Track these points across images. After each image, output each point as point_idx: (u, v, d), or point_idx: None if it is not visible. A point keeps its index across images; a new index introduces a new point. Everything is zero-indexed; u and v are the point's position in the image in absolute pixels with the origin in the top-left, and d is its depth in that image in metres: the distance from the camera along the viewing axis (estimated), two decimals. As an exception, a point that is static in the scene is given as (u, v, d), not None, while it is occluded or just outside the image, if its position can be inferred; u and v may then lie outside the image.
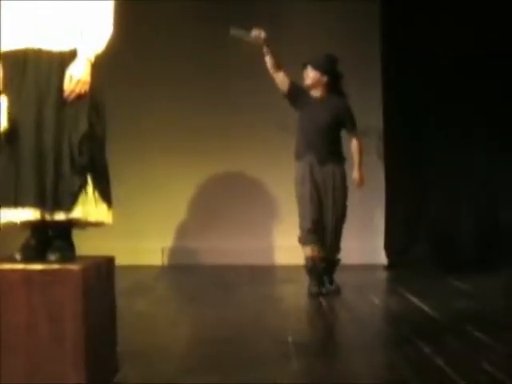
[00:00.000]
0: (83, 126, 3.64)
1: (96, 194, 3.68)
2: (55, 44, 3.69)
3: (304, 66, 6.16)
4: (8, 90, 3.71)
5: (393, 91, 7.65)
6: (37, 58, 3.68)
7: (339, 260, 6.18)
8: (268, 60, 6.06)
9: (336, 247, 6.13)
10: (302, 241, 6.04)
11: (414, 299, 5.76)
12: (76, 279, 3.38)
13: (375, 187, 7.64)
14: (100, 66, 3.77)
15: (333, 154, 6.12)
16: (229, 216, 7.94)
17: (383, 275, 7.30)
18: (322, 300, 5.85)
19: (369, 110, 7.58)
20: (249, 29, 5.95)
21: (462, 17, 7.49)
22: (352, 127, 6.20)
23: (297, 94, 6.12)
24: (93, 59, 3.68)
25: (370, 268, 7.49)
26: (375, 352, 4.32)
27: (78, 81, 3.63)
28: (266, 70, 6.08)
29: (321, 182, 6.09)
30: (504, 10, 7.37)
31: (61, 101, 3.64)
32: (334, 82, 6.18)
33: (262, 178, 8.05)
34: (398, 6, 7.61)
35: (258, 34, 5.91)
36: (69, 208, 3.59)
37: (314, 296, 5.93)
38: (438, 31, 7.52)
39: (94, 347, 3.44)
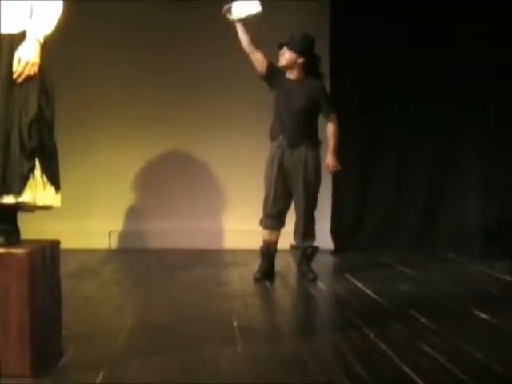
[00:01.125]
0: (32, 110, 3.61)
1: (44, 177, 3.66)
2: (5, 27, 3.65)
3: (280, 46, 6.01)
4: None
5: (339, 80, 7.67)
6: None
7: (316, 248, 6.17)
8: (244, 38, 5.90)
9: (309, 234, 6.09)
10: (262, 224, 6.05)
11: (359, 284, 5.82)
12: (21, 263, 3.36)
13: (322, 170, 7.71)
14: (49, 47, 3.74)
15: (306, 137, 6.01)
16: (177, 198, 7.90)
17: (329, 259, 7.35)
18: (268, 284, 5.88)
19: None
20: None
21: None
22: (328, 111, 6.08)
23: (273, 74, 6.00)
24: (42, 41, 3.64)
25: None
26: (320, 337, 4.37)
27: (27, 62, 3.58)
28: (239, 48, 5.91)
29: (291, 166, 5.99)
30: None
31: (10, 84, 3.61)
32: (310, 64, 6.03)
33: (210, 159, 8.00)
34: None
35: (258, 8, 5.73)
36: (18, 191, 3.57)
37: (256, 281, 5.94)
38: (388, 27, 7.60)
39: (39, 331, 3.43)
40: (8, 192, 3.56)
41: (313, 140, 6.07)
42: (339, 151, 6.17)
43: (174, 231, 7.79)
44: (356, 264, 6.90)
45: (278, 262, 6.18)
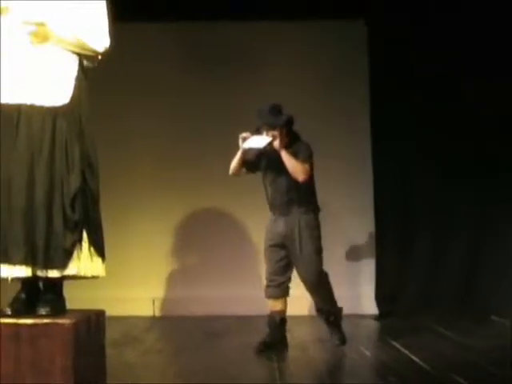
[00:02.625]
0: (75, 182, 3.67)
1: (92, 249, 3.70)
2: (47, 100, 3.74)
3: (257, 131, 5.92)
4: (1, 144, 3.75)
5: (381, 139, 7.71)
6: (29, 113, 3.73)
7: (339, 309, 6.05)
8: (236, 163, 5.94)
9: (326, 299, 5.98)
10: (265, 294, 5.97)
11: (404, 350, 5.76)
12: (66, 333, 3.40)
13: (365, 237, 7.69)
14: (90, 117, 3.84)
15: (297, 202, 5.88)
16: (219, 264, 7.94)
17: (373, 325, 7.29)
18: (312, 349, 5.84)
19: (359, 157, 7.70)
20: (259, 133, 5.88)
21: (452, 53, 7.57)
22: (302, 158, 5.86)
23: (254, 163, 6.00)
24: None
25: (360, 318, 7.49)
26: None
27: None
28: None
29: (288, 234, 5.88)
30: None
31: (53, 157, 3.68)
32: (289, 128, 5.95)
33: (250, 223, 8.04)
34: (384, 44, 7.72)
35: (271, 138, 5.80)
36: (62, 265, 3.61)
37: (256, 352, 5.72)
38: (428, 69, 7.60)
39: (83, 401, 3.45)
40: (52, 266, 3.61)
41: (305, 204, 5.94)
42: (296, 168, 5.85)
43: (217, 298, 7.80)
44: (400, 329, 6.82)
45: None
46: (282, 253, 5.92)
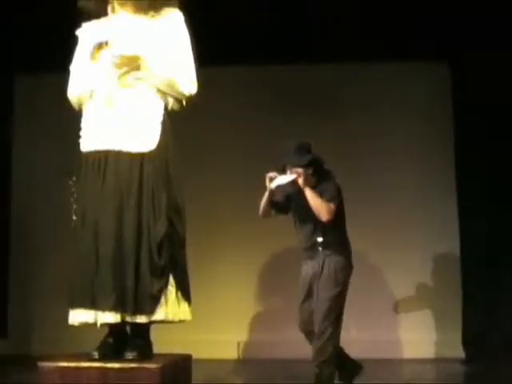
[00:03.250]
0: (162, 228, 3.73)
1: (178, 293, 3.74)
2: (134, 146, 3.82)
3: (283, 170, 5.76)
4: (88, 189, 3.83)
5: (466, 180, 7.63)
6: (117, 159, 3.81)
7: (323, 366, 5.52)
8: (264, 205, 5.77)
9: (318, 349, 5.51)
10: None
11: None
12: (153, 377, 3.43)
13: (451, 280, 7.58)
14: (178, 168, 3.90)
15: (323, 244, 5.67)
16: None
17: (460, 369, 7.15)
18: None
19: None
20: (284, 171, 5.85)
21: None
22: (327, 197, 5.64)
23: (283, 204, 5.88)
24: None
25: (445, 362, 7.36)
26: None
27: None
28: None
29: (312, 278, 5.65)
30: None
31: (141, 203, 3.75)
32: (319, 168, 5.79)
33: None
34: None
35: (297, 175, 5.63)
36: (150, 311, 3.65)
37: None
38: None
39: None
40: (141, 312, 3.65)
41: (334, 247, 5.69)
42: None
43: (302, 341, 7.74)
44: (488, 373, 6.68)
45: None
46: (306, 300, 5.65)
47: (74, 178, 3.96)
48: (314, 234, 5.76)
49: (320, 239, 5.72)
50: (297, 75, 8.05)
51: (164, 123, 3.94)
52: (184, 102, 4.09)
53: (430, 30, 7.50)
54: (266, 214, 5.87)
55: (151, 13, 4.06)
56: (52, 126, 8.07)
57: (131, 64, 3.83)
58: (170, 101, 4.00)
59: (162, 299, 3.70)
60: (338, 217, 5.77)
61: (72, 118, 4.32)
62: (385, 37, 7.59)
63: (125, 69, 3.84)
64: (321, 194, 5.72)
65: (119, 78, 3.88)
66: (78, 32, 4.25)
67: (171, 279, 3.75)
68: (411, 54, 7.74)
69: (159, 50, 3.94)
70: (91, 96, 3.99)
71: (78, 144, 4.03)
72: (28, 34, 7.85)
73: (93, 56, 3.89)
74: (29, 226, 8.50)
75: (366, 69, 8.00)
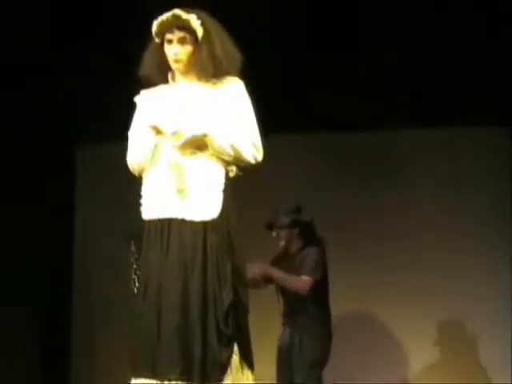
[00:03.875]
0: (228, 298, 3.71)
1: (242, 361, 3.71)
2: (197, 214, 3.81)
3: (269, 228, 5.83)
4: (151, 257, 3.83)
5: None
6: (180, 228, 3.81)
7: None
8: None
9: None
10: None
11: None
12: None
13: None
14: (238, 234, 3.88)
15: (301, 312, 5.66)
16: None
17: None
18: None
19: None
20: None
21: None
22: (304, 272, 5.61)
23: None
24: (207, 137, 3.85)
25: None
26: None
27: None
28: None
29: (289, 345, 5.68)
30: None
31: (205, 272, 3.73)
32: (308, 233, 5.80)
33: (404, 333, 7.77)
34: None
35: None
36: (218, 380, 3.62)
37: None
38: None
39: None
40: (208, 380, 3.62)
41: (311, 315, 5.71)
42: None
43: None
44: None
45: None
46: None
47: (136, 247, 3.96)
48: (293, 303, 5.70)
49: (298, 307, 5.68)
50: (352, 143, 7.97)
51: (226, 191, 3.94)
52: (247, 169, 4.06)
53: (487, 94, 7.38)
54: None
55: (212, 80, 4.06)
56: (113, 193, 8.14)
57: (195, 144, 3.85)
58: (232, 168, 3.99)
59: (229, 368, 3.66)
60: (319, 289, 5.70)
61: (133, 184, 4.32)
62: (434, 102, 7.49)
63: (187, 147, 3.85)
64: (300, 262, 5.67)
65: (180, 148, 3.89)
66: (137, 99, 4.26)
67: (236, 347, 3.71)
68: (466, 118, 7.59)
69: (222, 118, 3.94)
70: (151, 164, 3.99)
71: (140, 211, 4.03)
72: (85, 102, 7.98)
73: (151, 132, 3.92)
74: (91, 291, 8.55)
75: (418, 134, 7.91)
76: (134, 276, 3.92)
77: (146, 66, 4.15)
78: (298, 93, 7.60)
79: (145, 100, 4.21)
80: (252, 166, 4.03)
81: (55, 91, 7.76)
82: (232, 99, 4.03)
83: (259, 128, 4.10)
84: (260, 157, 4.03)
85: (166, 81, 4.21)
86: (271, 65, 7.20)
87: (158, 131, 3.89)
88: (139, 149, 4.06)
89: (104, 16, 7.26)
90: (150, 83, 4.23)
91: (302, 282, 5.64)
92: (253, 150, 3.97)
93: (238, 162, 3.97)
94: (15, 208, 7.93)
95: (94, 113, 7.98)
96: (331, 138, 7.99)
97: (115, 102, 6.14)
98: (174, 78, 4.18)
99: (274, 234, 5.92)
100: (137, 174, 4.15)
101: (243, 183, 4.15)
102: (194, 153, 3.89)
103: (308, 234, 5.89)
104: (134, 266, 3.90)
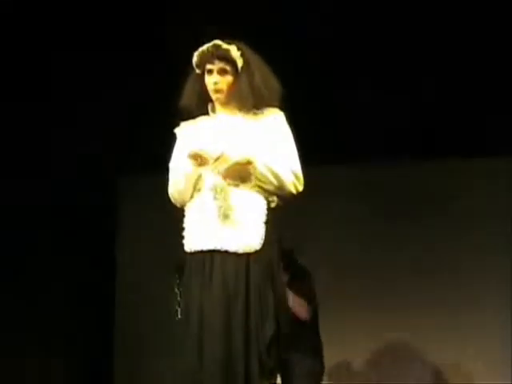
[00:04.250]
0: (270, 330, 3.69)
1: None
2: (240, 246, 3.80)
3: None
4: (194, 289, 3.82)
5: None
6: (223, 260, 3.80)
7: None
8: None
9: None
10: None
11: None
12: None
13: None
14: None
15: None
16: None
17: None
18: None
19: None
20: None
21: None
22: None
23: None
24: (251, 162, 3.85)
25: None
26: None
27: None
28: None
29: None
30: None
31: (248, 303, 3.71)
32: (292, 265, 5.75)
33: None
34: None
35: None
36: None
37: None
38: None
39: None
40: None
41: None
42: None
43: None
44: None
45: None
46: None
47: (180, 278, 3.96)
48: None
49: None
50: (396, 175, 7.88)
51: (268, 222, 3.93)
52: (288, 200, 4.05)
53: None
54: None
55: (253, 111, 4.06)
56: (155, 225, 8.15)
57: (238, 173, 3.84)
58: (274, 199, 3.98)
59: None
60: (313, 319, 5.65)
61: (175, 215, 4.32)
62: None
63: (231, 175, 3.85)
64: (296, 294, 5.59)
65: (222, 178, 3.89)
66: (177, 130, 4.27)
67: (279, 379, 3.69)
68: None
69: (263, 148, 3.93)
70: (192, 196, 4.00)
71: (182, 243, 4.03)
72: (128, 135, 8.03)
73: (191, 162, 3.92)
74: (133, 322, 8.55)
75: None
76: (177, 308, 3.91)
77: (187, 97, 4.16)
78: (336, 123, 7.57)
79: (185, 131, 4.21)
80: (292, 196, 4.01)
81: (95, 122, 7.82)
82: (273, 130, 4.02)
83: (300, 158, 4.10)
84: (301, 187, 4.01)
85: (205, 112, 4.21)
86: (310, 97, 7.20)
87: (200, 160, 3.88)
88: (180, 180, 4.05)
89: (143, 49, 7.33)
90: (189, 115, 4.24)
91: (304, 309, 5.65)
92: (294, 179, 3.95)
93: (279, 191, 3.95)
94: (57, 240, 7.98)
95: (133, 145, 8.03)
96: (371, 170, 7.91)
97: (155, 134, 6.18)
98: (213, 110, 4.17)
99: None
100: (178, 205, 4.15)
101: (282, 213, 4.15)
102: (237, 185, 3.89)
103: (294, 266, 5.79)
104: (178, 299, 3.90)
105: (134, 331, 8.46)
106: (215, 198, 3.88)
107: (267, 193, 3.93)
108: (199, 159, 3.88)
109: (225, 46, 4.03)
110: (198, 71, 4.14)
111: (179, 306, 3.94)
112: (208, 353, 3.66)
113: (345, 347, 7.70)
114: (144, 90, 7.41)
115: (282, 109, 4.17)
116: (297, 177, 3.97)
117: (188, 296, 3.85)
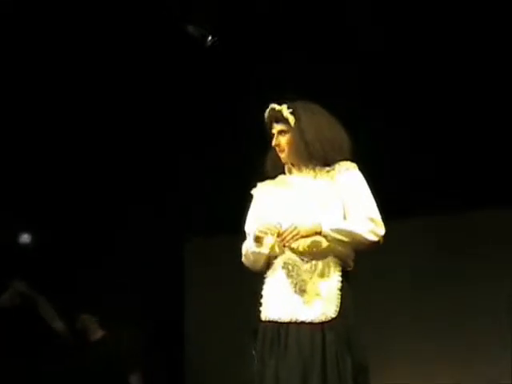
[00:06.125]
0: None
1: None
2: (315, 316, 3.73)
3: None
4: (269, 360, 3.75)
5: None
6: (298, 329, 3.75)
7: None
8: None
9: None
10: None
11: None
12: None
13: None
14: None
15: None
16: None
17: None
18: None
19: None
20: None
21: None
22: None
23: None
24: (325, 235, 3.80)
25: None
26: None
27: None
28: None
29: None
30: None
31: (325, 370, 3.64)
32: None
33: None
34: None
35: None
36: None
37: None
38: None
39: None
40: None
41: None
42: None
43: None
44: None
45: None
46: None
47: (255, 345, 3.90)
48: None
49: None
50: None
51: (343, 289, 3.84)
52: (374, 247, 3.95)
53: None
54: None
55: (325, 169, 4.00)
56: (225, 289, 8.11)
57: (311, 243, 3.83)
58: (350, 264, 3.91)
59: None
60: None
61: (247, 279, 4.21)
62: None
63: (302, 250, 3.83)
64: None
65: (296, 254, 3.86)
66: (254, 191, 4.21)
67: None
68: None
69: (335, 209, 3.84)
70: (268, 265, 3.94)
71: (258, 311, 3.96)
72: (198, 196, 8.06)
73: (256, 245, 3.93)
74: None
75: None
76: (253, 378, 3.85)
77: (267, 163, 4.23)
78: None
79: (260, 194, 4.17)
80: (376, 242, 3.88)
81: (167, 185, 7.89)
82: (344, 184, 3.94)
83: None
84: (382, 230, 3.86)
85: (282, 172, 4.20)
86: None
87: (264, 237, 3.84)
88: (249, 255, 4.04)
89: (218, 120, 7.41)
90: (265, 176, 4.22)
91: None
92: (371, 226, 3.82)
93: (360, 245, 3.85)
94: (127, 294, 7.97)
95: (205, 205, 8.02)
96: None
97: (228, 194, 6.16)
98: (290, 171, 4.15)
99: None
100: (253, 270, 4.11)
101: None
102: (310, 257, 3.84)
103: None
104: (253, 369, 3.83)
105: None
106: (288, 276, 3.84)
107: (341, 256, 3.84)
108: (264, 238, 3.83)
109: (277, 108, 4.10)
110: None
111: (255, 375, 3.85)
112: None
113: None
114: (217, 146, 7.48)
115: (354, 160, 4.07)
116: (374, 222, 3.84)
117: (261, 367, 3.80)
